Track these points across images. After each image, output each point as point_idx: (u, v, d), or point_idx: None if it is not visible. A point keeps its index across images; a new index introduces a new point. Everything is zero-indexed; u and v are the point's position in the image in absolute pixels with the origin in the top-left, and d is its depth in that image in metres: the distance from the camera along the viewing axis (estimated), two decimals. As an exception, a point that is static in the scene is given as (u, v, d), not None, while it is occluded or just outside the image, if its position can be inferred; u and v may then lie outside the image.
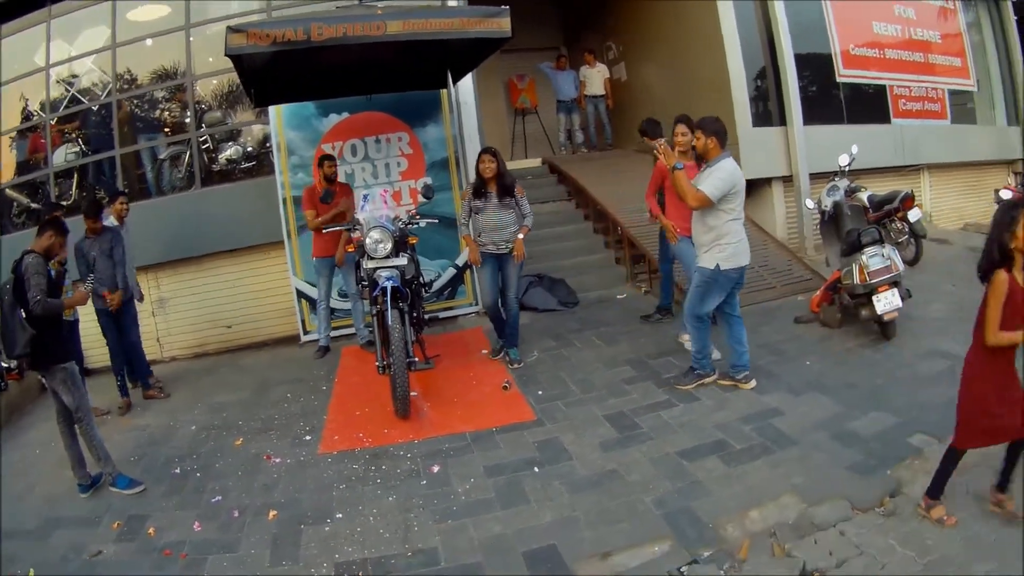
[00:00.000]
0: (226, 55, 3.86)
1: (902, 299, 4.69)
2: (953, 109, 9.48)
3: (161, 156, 6.99)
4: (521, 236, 4.91)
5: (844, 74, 8.35)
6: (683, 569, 2.63)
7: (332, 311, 6.07)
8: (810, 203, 6.92)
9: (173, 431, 4.56)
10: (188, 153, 6.87)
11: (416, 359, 4.33)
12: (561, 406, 4.28)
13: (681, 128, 4.72)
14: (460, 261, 6.58)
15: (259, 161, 6.94)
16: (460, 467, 3.61)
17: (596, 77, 9.77)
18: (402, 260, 4.50)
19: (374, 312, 4.41)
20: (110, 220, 5.15)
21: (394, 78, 6.02)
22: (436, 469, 3.61)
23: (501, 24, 4.32)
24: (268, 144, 6.72)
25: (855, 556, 2.61)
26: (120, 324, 5.08)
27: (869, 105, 8.60)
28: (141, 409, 5.07)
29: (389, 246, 4.45)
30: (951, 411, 3.06)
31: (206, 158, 6.93)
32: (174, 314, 6.64)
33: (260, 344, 6.59)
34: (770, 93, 8.04)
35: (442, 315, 6.60)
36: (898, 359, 4.52)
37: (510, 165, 6.04)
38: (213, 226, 6.05)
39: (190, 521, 3.33)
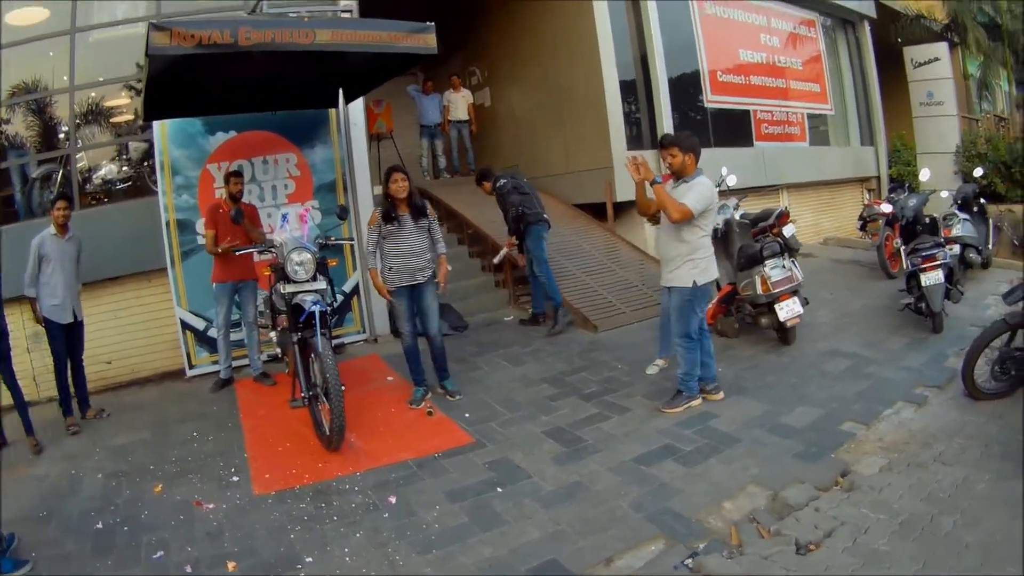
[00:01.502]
0: (148, 55, 3.79)
1: (802, 306, 5.51)
2: (811, 131, 11.29)
3: (32, 175, 6.77)
4: (445, 266, 5.02)
5: (712, 99, 9.62)
6: (687, 562, 2.86)
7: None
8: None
9: (77, 480, 4.31)
10: (60, 172, 6.66)
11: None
12: (495, 427, 4.46)
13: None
14: (347, 287, 6.70)
15: (137, 181, 6.90)
16: (418, 495, 3.63)
17: (460, 102, 10.43)
18: (322, 284, 4.57)
19: (294, 340, 4.43)
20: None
21: (286, 95, 6.08)
22: (393, 500, 3.60)
23: (427, 40, 4.55)
24: (147, 163, 6.71)
25: (838, 526, 3.05)
26: None
27: (734, 129, 9.97)
28: (32, 456, 4.78)
29: (312, 268, 4.50)
30: (867, 401, 4.39)
31: (80, 178, 6.70)
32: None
33: (143, 380, 6.43)
34: (643, 117, 9.03)
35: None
36: (803, 360, 5.32)
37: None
38: (90, 252, 5.74)
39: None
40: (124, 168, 6.93)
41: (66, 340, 5.17)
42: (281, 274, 4.61)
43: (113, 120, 6.89)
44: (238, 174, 5.72)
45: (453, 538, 3.19)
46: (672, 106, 8.98)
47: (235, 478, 4.06)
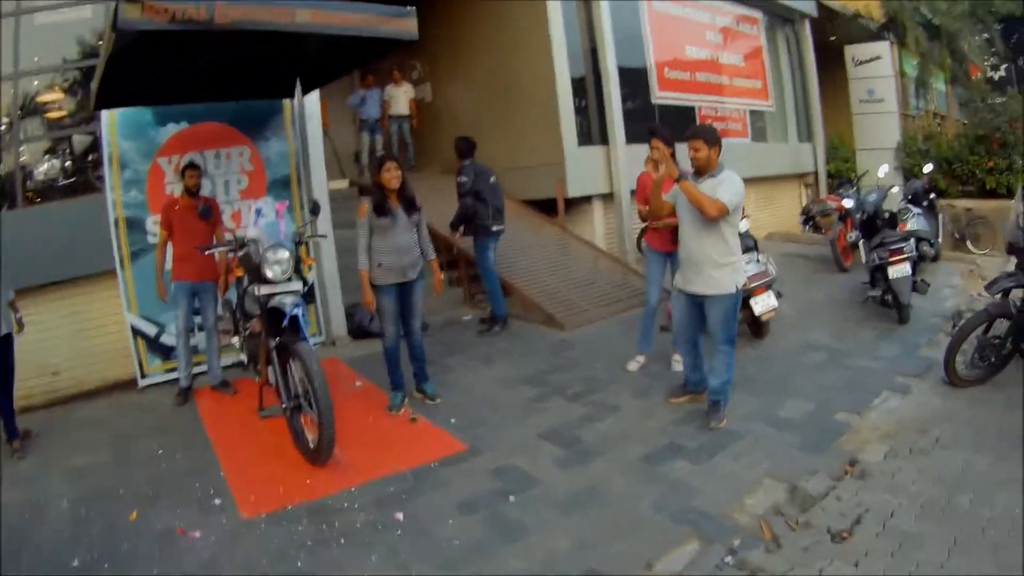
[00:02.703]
0: (118, 29, 3.58)
1: (776, 299, 5.82)
2: (752, 128, 11.91)
3: None
4: (439, 273, 5.13)
5: (659, 96, 10.05)
6: (727, 559, 2.97)
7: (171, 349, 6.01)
8: None
9: (41, 509, 4.03)
10: None
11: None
12: (486, 432, 4.48)
13: (656, 142, 4.90)
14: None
15: (80, 178, 6.67)
16: (425, 509, 3.58)
17: (402, 97, 10.61)
18: (299, 284, 4.50)
19: (272, 346, 4.37)
20: None
21: (241, 84, 5.96)
22: (401, 516, 3.53)
23: (407, 24, 4.52)
24: (91, 157, 6.52)
25: (864, 513, 3.28)
26: None
27: (680, 124, 10.30)
28: None
29: (291, 268, 4.42)
30: (854, 391, 4.77)
31: (19, 174, 6.39)
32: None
33: (93, 392, 6.17)
34: (591, 113, 9.34)
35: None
36: (780, 354, 5.65)
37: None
38: (33, 255, 5.63)
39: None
40: (67, 163, 6.72)
41: None
42: (255, 274, 4.48)
43: (53, 112, 6.63)
44: (194, 166, 5.58)
45: (478, 554, 3.16)
46: (622, 102, 9.33)
47: (217, 500, 3.90)
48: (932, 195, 8.99)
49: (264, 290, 4.37)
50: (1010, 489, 3.39)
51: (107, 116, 6.04)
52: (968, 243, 10.51)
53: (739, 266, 4.33)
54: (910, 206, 8.03)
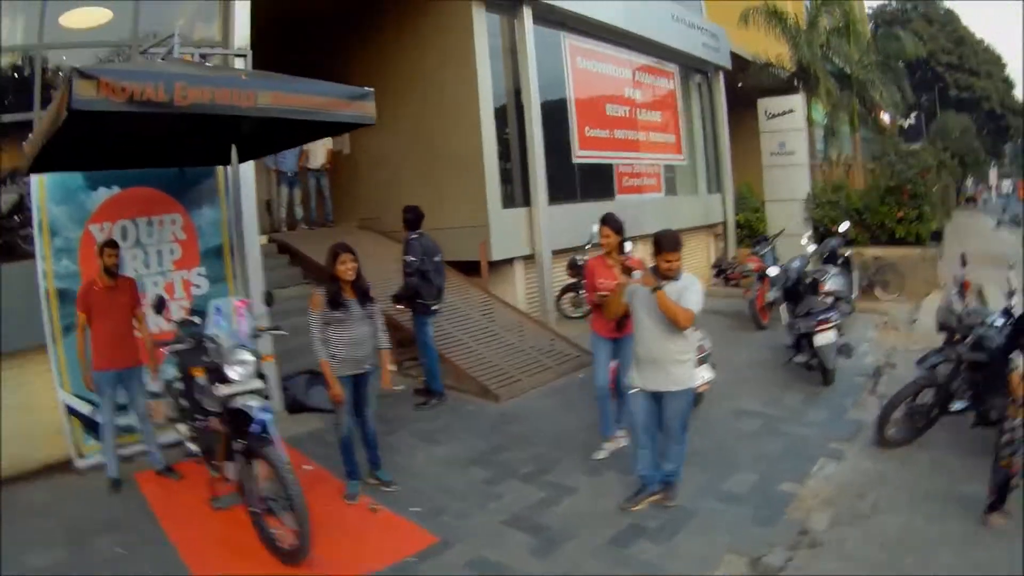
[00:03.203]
0: (72, 109, 3.60)
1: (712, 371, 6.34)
2: (665, 182, 12.80)
3: None
4: (389, 366, 5.26)
5: (580, 155, 10.75)
6: None
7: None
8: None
9: None
10: None
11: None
12: (450, 521, 4.70)
13: (606, 230, 5.35)
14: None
15: (8, 239, 6.55)
16: None
17: (320, 149, 10.76)
18: (260, 383, 4.61)
19: (239, 448, 4.47)
20: None
21: (178, 151, 6.07)
22: None
23: (366, 109, 4.78)
24: (16, 218, 6.54)
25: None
26: None
27: (598, 183, 11.17)
28: None
29: (255, 371, 4.58)
30: (791, 459, 5.36)
31: None
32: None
33: (30, 474, 6.05)
34: (515, 174, 9.90)
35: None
36: (716, 422, 6.18)
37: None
38: None
39: None
40: None
41: None
42: (216, 374, 4.58)
43: None
44: (113, 244, 5.56)
45: None
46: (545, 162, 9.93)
47: None
48: (847, 253, 10.00)
49: (224, 390, 4.47)
50: (947, 548, 3.99)
51: (36, 181, 6.00)
52: (876, 290, 11.58)
53: (694, 359, 4.75)
54: (827, 265, 8.93)
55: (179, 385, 5.58)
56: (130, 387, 5.66)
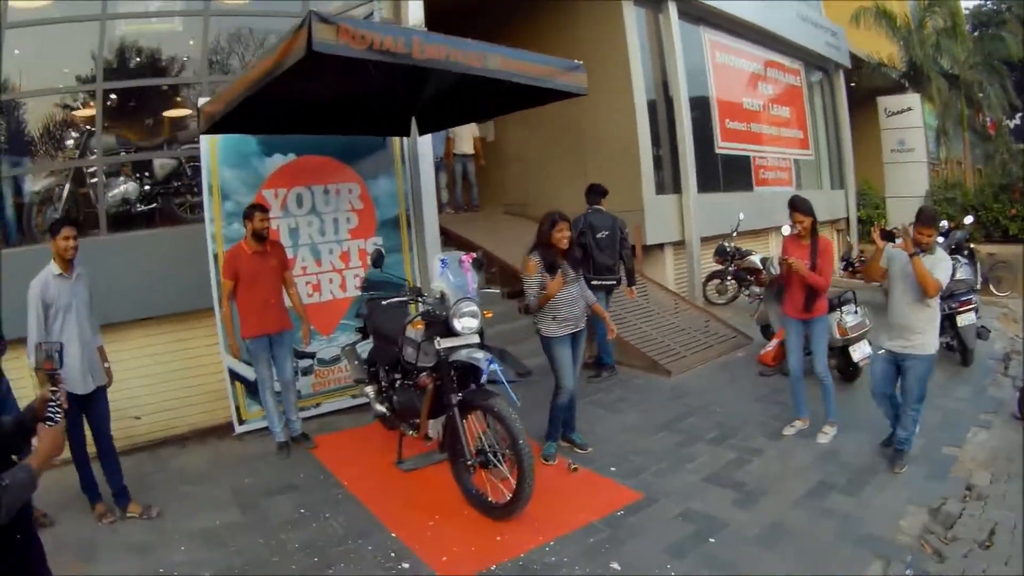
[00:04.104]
0: (313, 50, 3.56)
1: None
2: (795, 175, 12.92)
3: (33, 190, 6.14)
4: (605, 312, 5.48)
5: (721, 146, 11.07)
6: (908, 573, 3.81)
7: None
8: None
9: None
10: (67, 188, 6.16)
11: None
12: (651, 479, 5.05)
13: (798, 215, 5.48)
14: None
15: (164, 204, 6.53)
16: (636, 557, 4.01)
17: (466, 134, 10.85)
18: (476, 338, 4.62)
19: (454, 401, 4.49)
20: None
21: (357, 119, 6.11)
22: (616, 565, 3.92)
23: (580, 79, 4.96)
24: (175, 183, 6.47)
25: (995, 525, 4.22)
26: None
27: (738, 174, 11.43)
28: (95, 545, 4.39)
29: (480, 324, 4.59)
30: (950, 429, 5.64)
31: (95, 196, 6.21)
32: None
33: (180, 437, 6.25)
34: (665, 162, 10.22)
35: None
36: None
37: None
38: (116, 287, 5.52)
39: None
40: (146, 188, 6.45)
41: (83, 414, 4.54)
42: (441, 327, 4.54)
43: (132, 130, 6.50)
44: (263, 208, 5.49)
45: None
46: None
47: (405, 564, 4.00)
48: (971, 245, 10.13)
49: (446, 343, 4.49)
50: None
51: (207, 143, 5.88)
52: (991, 286, 11.51)
53: (937, 328, 5.02)
54: (958, 256, 9.20)
55: (363, 347, 5.83)
56: (279, 353, 5.60)
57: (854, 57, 14.88)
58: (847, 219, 14.68)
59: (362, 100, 5.67)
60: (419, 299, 4.93)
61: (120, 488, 4.75)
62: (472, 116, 7.11)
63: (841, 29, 14.49)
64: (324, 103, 5.62)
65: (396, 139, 6.92)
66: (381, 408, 5.47)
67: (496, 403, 4.29)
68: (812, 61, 13.87)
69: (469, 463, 4.50)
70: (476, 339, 4.61)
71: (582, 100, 10.09)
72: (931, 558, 4.01)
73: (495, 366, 4.33)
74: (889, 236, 5.12)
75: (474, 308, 4.56)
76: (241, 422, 6.17)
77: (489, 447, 4.50)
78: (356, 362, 5.83)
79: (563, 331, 5.22)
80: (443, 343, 4.51)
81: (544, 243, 5.16)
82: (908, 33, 15.49)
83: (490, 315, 5.06)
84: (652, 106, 10.14)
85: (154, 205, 6.50)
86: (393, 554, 4.15)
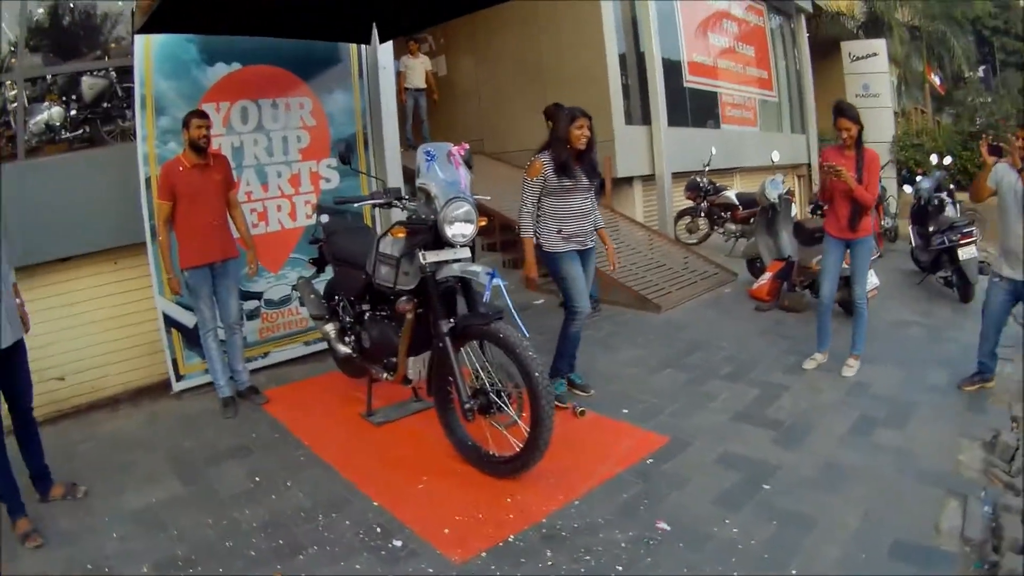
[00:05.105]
0: None
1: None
2: (760, 116, 12.44)
3: None
4: (610, 242, 4.78)
5: (690, 80, 10.41)
6: (987, 509, 3.27)
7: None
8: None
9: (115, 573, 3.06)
10: None
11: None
12: (671, 420, 4.31)
13: (845, 122, 4.76)
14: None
15: (93, 127, 5.40)
16: (683, 513, 3.31)
17: (419, 68, 10.16)
18: (467, 252, 3.69)
19: (445, 330, 3.57)
20: None
21: (311, 20, 5.29)
22: (664, 525, 3.21)
23: None
24: (105, 103, 5.36)
25: None
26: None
27: (705, 110, 10.84)
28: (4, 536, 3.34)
29: (474, 231, 3.64)
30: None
31: (13, 120, 5.08)
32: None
33: (111, 399, 5.22)
34: (633, 93, 9.51)
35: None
36: (888, 331, 6.09)
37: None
38: (29, 222, 4.60)
39: None
40: (73, 111, 5.29)
41: None
42: (426, 236, 3.58)
43: (60, 41, 5.29)
44: (202, 114, 4.59)
45: (785, 551, 2.98)
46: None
47: (397, 542, 3.12)
48: (951, 186, 9.79)
49: (432, 256, 3.57)
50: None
51: (142, 48, 4.94)
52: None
53: None
54: (943, 195, 8.81)
55: (320, 283, 4.99)
56: (223, 284, 4.71)
57: (813, 5, 14.48)
58: (808, 164, 14.31)
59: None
60: (398, 201, 3.88)
61: (41, 470, 3.71)
62: (436, 17, 6.21)
63: (804, -28, 14.06)
64: (272, 1, 4.75)
65: (353, 49, 6.04)
66: (345, 349, 4.49)
67: (502, 328, 3.38)
68: (775, 3, 13.38)
69: (467, 406, 3.53)
70: (468, 253, 3.69)
71: (543, 29, 9.82)
72: (1004, 492, 3.49)
73: (498, 280, 3.40)
74: (997, 151, 4.55)
75: (469, 209, 3.59)
76: (179, 378, 5.23)
77: (491, 385, 3.56)
78: (312, 296, 4.84)
79: (569, 247, 4.41)
80: (429, 256, 3.58)
81: (559, 138, 4.30)
82: (870, -19, 15.19)
83: (484, 222, 4.07)
84: (621, 35, 9.48)
85: (80, 132, 5.36)
86: (379, 528, 3.27)
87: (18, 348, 3.47)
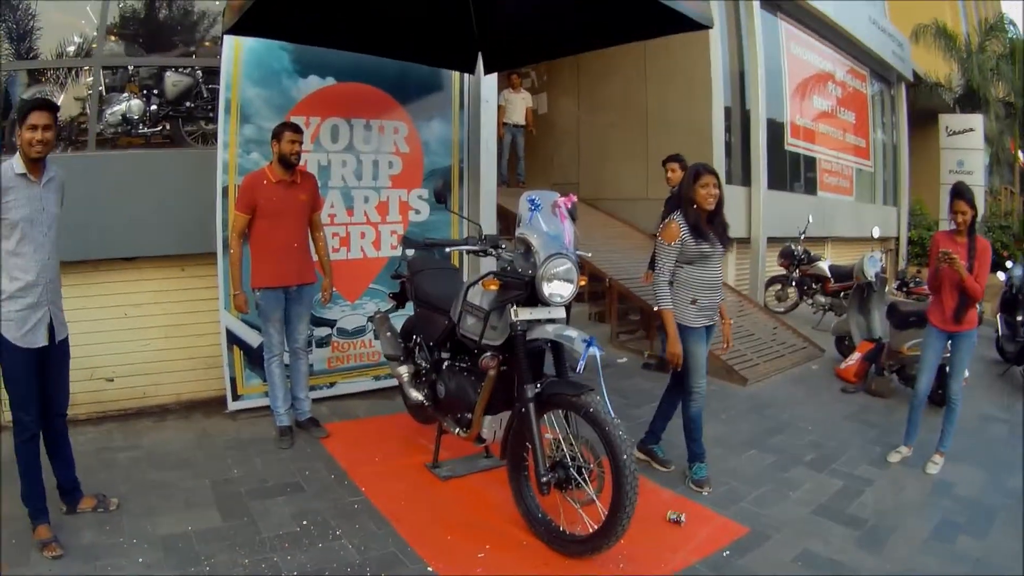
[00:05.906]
0: None
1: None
2: (856, 186, 12.15)
3: (23, 96, 4.88)
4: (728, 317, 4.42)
5: (791, 143, 10.24)
6: None
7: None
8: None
9: None
10: (61, 99, 5.01)
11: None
12: (752, 509, 4.14)
13: (962, 204, 4.53)
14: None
15: (173, 126, 5.32)
16: None
17: (519, 104, 9.96)
18: (562, 312, 3.44)
19: (530, 396, 3.32)
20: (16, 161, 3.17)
21: (414, 43, 5.09)
22: None
23: (703, 9, 3.86)
24: (189, 103, 5.25)
25: None
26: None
27: (804, 175, 10.65)
28: (24, 546, 3.24)
29: (573, 293, 3.39)
30: None
31: (87, 108, 5.02)
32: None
33: (159, 408, 5.12)
34: (734, 152, 9.34)
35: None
36: (972, 426, 5.82)
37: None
38: (96, 217, 4.49)
39: None
40: (153, 107, 5.17)
41: (35, 378, 3.22)
42: (521, 292, 3.33)
43: (142, 36, 5.20)
44: (296, 128, 4.37)
45: None
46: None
47: None
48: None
49: (525, 314, 3.32)
50: None
51: (231, 51, 4.75)
52: None
53: None
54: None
55: (397, 319, 4.76)
56: (294, 311, 4.50)
57: (914, 74, 14.11)
58: (897, 238, 13.94)
59: (422, 21, 4.74)
60: (494, 250, 3.63)
61: (70, 483, 3.56)
62: (545, 54, 6.09)
63: (907, 40, 13.73)
64: (376, 16, 4.59)
65: (456, 77, 5.77)
66: (417, 395, 4.26)
67: (591, 401, 3.13)
68: (877, 69, 13.10)
69: (543, 479, 3.28)
70: (563, 313, 3.43)
71: (650, 77, 9.64)
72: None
73: (595, 350, 3.07)
74: None
75: (571, 267, 3.32)
76: (236, 397, 5.03)
77: (572, 459, 3.32)
78: (388, 334, 4.61)
79: (700, 322, 4.13)
80: (521, 313, 3.32)
81: (686, 198, 4.04)
82: (967, 55, 14.68)
83: (584, 282, 3.75)
84: (728, 93, 9.35)
85: (160, 129, 5.22)
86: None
87: (64, 348, 3.37)
